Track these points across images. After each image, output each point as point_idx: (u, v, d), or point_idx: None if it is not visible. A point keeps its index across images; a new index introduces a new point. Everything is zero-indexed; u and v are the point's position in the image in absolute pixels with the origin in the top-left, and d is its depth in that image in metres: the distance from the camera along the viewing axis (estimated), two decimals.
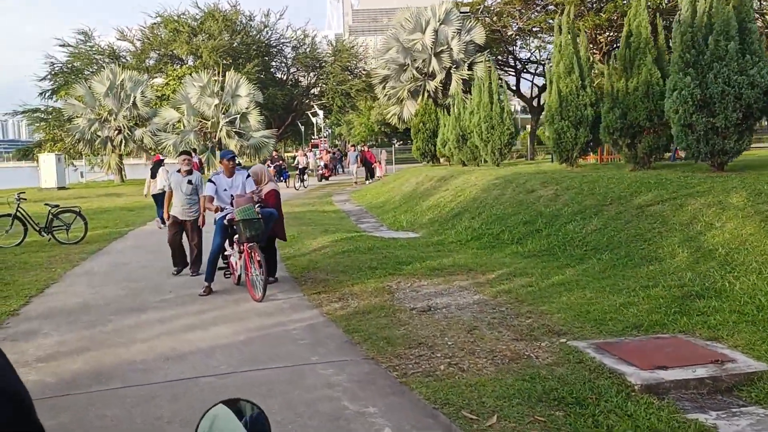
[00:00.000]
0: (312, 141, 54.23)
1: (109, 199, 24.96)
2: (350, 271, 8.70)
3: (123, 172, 39.92)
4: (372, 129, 77.50)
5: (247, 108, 35.77)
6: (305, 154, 44.35)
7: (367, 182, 29.66)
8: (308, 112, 57.93)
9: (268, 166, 25.53)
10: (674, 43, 10.46)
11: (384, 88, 34.69)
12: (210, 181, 7.92)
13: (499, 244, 10.24)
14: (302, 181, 29.46)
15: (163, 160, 16.72)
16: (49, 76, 50.66)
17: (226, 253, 8.26)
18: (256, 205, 7.66)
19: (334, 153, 43.66)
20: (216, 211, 7.66)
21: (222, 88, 36.28)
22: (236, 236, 7.90)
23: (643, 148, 12.47)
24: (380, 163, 30.68)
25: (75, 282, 8.87)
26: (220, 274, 8.28)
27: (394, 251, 10.02)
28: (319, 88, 60.37)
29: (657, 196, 9.20)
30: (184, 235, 9.02)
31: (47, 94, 50.72)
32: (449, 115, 30.21)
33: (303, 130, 67.50)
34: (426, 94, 32.50)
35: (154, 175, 15.65)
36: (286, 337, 5.87)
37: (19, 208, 12.61)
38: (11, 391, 0.76)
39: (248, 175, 8.06)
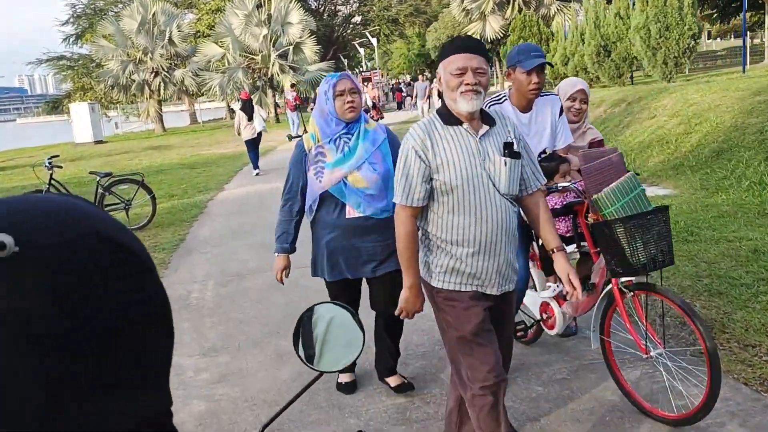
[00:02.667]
0: (362, 74, 48.87)
1: (159, 154, 20.68)
2: (737, 292, 4.18)
3: (163, 121, 35.58)
4: (411, 60, 71.64)
5: (300, 37, 30.82)
6: (375, 88, 35.30)
7: None
8: (355, 43, 52.51)
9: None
10: None
11: (462, 1, 29.29)
12: None
13: None
14: None
15: (251, 98, 14.24)
16: (71, 20, 46.26)
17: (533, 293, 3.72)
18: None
19: (400, 84, 38.24)
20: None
21: (269, 17, 31.30)
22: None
23: None
24: None
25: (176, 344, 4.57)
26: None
27: (739, 233, 5.44)
28: (361, 17, 54.94)
29: None
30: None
31: (71, 40, 46.45)
32: (548, 28, 25.02)
33: (346, 63, 62.13)
34: (515, 5, 27.12)
35: (251, 117, 13.16)
36: None
37: (52, 180, 8.34)
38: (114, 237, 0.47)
39: (561, 110, 3.43)
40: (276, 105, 33.04)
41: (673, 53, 14.29)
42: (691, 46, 14.35)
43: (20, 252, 0.45)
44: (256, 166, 13.68)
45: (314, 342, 1.14)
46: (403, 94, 35.08)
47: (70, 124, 30.36)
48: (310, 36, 31.30)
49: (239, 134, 13.97)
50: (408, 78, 64.78)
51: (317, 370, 1.10)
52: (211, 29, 34.75)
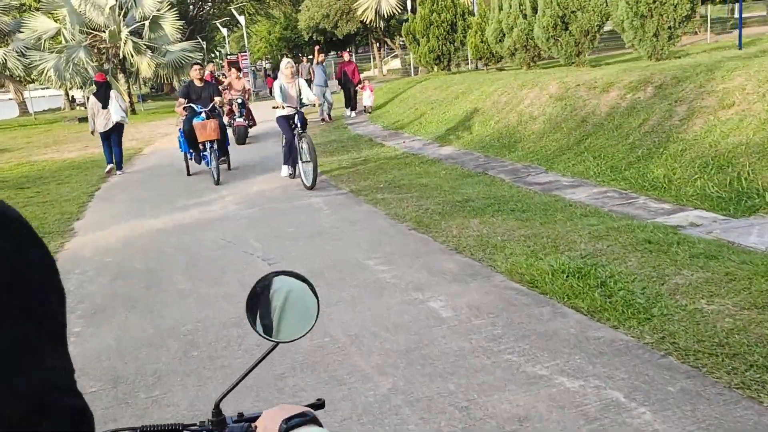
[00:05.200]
0: (228, 57, 43.08)
1: None
2: None
3: None
4: (272, 43, 66.44)
5: (158, 10, 25.33)
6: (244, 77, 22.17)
7: (350, 114, 18.03)
8: (216, 22, 46.71)
9: (214, 111, 9.98)
10: None
11: None
12: None
13: None
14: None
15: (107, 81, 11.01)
16: None
17: None
18: None
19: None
20: None
21: None
22: None
23: None
24: (367, 83, 19.53)
25: None
26: None
27: None
28: None
29: None
30: None
31: None
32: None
33: (205, 46, 55.72)
34: None
35: (106, 103, 10.59)
36: None
37: None
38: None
39: None
40: (130, 92, 27.31)
41: (668, 22, 11.37)
42: (688, 15, 11.52)
43: None
44: (111, 161, 11.20)
45: (271, 313, 1.08)
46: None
47: None
48: (169, 9, 25.90)
49: (93, 132, 11.12)
50: (266, 64, 59.75)
51: (274, 341, 1.05)
52: (39, 2, 28.14)
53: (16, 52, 25.74)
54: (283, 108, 8.48)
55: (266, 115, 17.15)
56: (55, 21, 25.45)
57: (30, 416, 0.46)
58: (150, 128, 19.98)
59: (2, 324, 0.46)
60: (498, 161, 9.47)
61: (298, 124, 8.43)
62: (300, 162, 8.54)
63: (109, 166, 11.22)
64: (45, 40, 25.42)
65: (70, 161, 13.63)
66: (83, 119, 23.50)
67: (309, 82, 26.53)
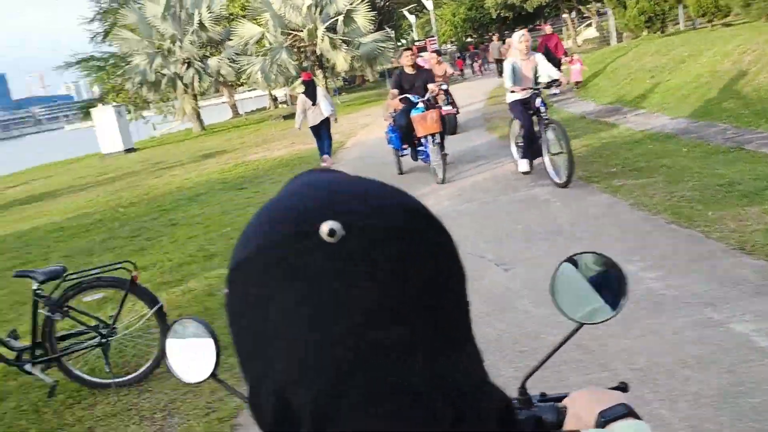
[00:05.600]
0: (416, 44, 43.16)
1: (195, 166, 16.12)
2: None
3: (201, 118, 31.04)
4: (457, 25, 65.26)
5: (351, 4, 25.82)
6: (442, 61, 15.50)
7: (555, 91, 14.87)
8: (403, 10, 47.15)
9: (434, 101, 8.76)
10: None
11: None
12: None
13: None
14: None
15: (313, 79, 11.81)
16: (98, 17, 42.39)
17: None
18: None
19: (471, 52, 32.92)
20: None
21: None
22: None
23: None
24: (576, 56, 16.62)
25: None
26: None
27: None
28: None
29: None
30: None
31: (100, 38, 42.66)
32: None
33: (393, 35, 56.63)
34: None
35: (315, 100, 10.96)
36: None
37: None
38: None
39: None
40: (327, 87, 28.29)
41: None
42: None
43: (347, 237, 0.47)
44: (324, 153, 11.53)
45: (574, 293, 0.99)
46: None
47: (96, 132, 26.15)
48: (362, 1, 26.25)
49: (300, 127, 11.60)
50: (452, 47, 58.99)
51: (579, 322, 0.98)
52: (245, 10, 30.17)
53: (228, 59, 27.71)
54: (523, 91, 7.09)
55: (462, 100, 16.63)
56: (259, 26, 26.98)
57: (471, 411, 0.46)
58: (349, 120, 20.34)
59: (445, 315, 0.48)
60: (754, 132, 7.92)
61: (541, 109, 6.97)
62: (546, 154, 7.04)
63: (324, 157, 11.50)
64: (251, 45, 27.08)
65: (279, 159, 14.12)
66: (287, 117, 24.81)
67: (498, 62, 25.54)
